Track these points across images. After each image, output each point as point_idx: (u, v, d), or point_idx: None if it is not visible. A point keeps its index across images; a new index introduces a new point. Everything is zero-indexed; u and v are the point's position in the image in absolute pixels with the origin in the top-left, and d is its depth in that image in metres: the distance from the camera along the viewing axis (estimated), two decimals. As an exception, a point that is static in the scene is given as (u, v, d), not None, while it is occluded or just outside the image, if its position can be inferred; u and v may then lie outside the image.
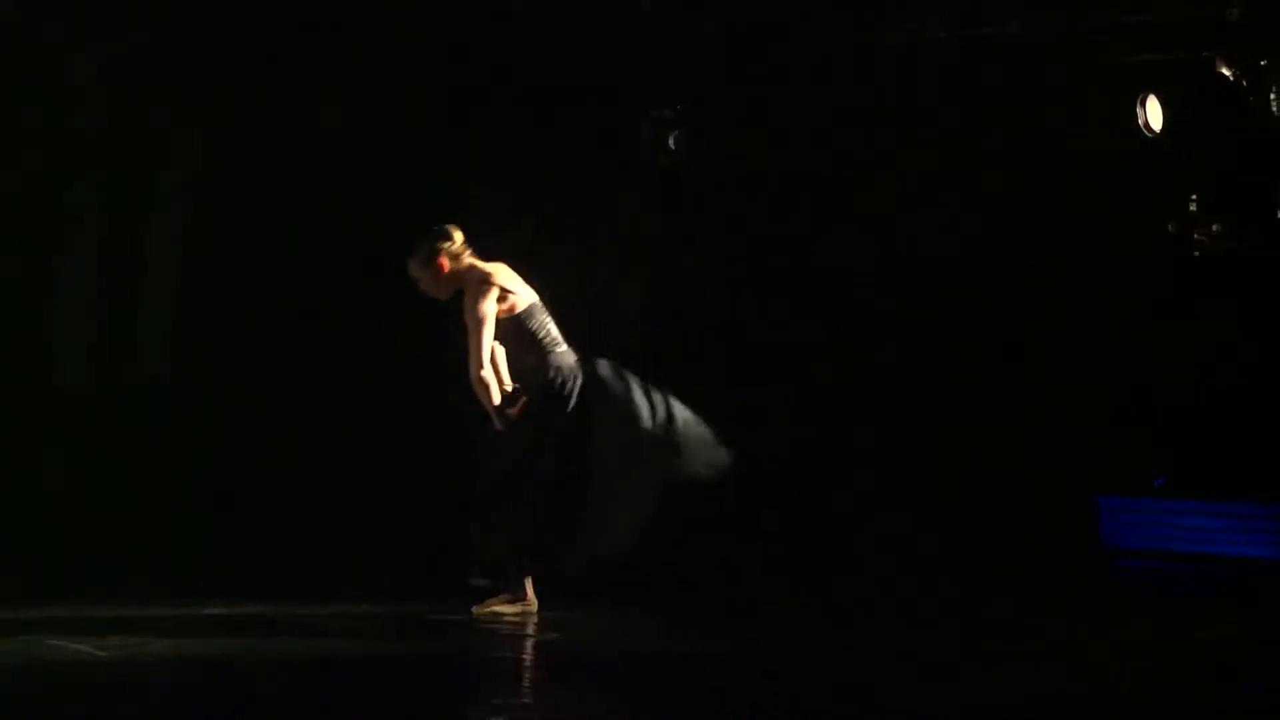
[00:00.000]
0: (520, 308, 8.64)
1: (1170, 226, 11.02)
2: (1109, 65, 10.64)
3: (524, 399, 8.54)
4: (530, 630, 8.41)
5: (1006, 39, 10.76)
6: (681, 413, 8.67)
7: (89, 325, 11.15)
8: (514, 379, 8.61)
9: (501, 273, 8.68)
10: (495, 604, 8.67)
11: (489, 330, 8.51)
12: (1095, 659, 7.88)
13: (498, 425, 8.55)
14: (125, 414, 11.08)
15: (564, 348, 8.71)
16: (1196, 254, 10.95)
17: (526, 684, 7.47)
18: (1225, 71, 10.33)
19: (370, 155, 10.82)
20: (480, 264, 8.67)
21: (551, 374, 8.63)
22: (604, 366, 8.74)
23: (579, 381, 8.64)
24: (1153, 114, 10.61)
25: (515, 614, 8.62)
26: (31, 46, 10.82)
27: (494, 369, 8.56)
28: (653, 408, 8.64)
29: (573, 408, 8.62)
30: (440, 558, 9.50)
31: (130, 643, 7.82)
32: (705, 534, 11.14)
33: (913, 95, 11.10)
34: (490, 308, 8.53)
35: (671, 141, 11.46)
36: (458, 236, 8.67)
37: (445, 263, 8.63)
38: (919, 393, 11.32)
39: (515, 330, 8.63)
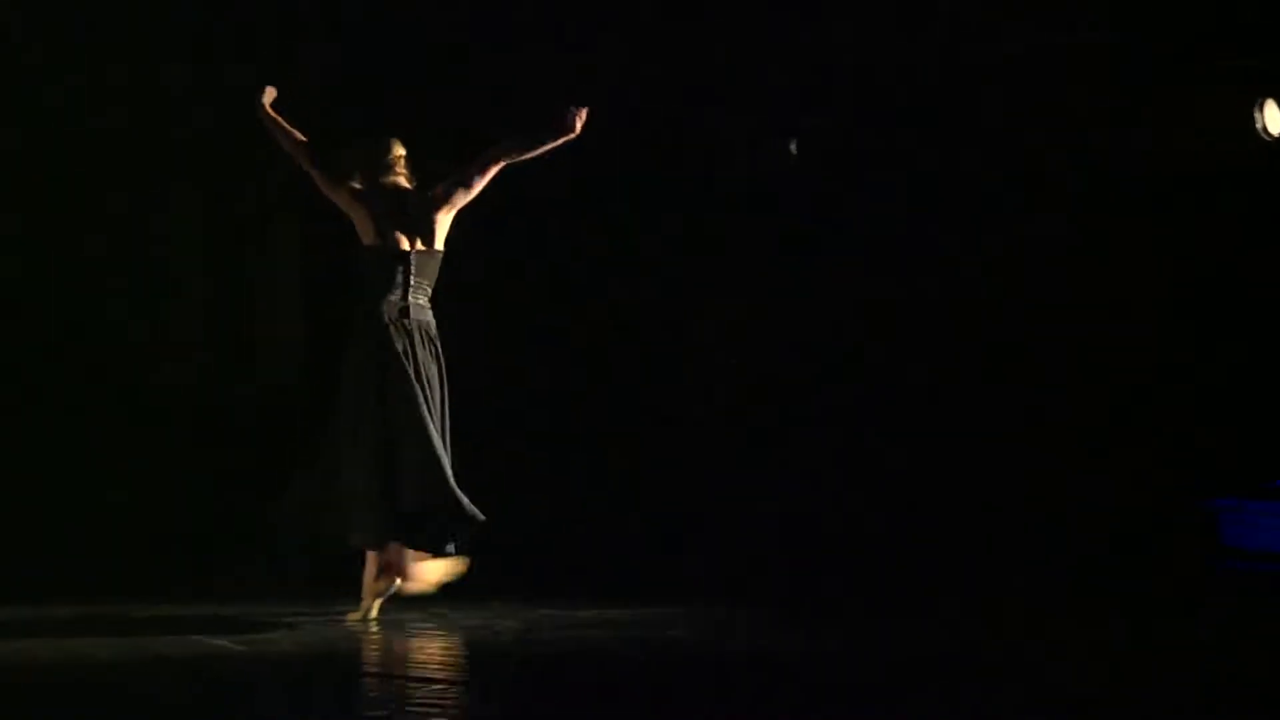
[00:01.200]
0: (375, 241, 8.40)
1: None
2: (1227, 68, 10.62)
3: None
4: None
5: (1123, 42, 10.76)
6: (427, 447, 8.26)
7: (208, 326, 11.34)
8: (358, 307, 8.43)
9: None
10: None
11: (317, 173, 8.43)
12: (1214, 662, 7.86)
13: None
14: (253, 412, 11.24)
15: (397, 297, 8.36)
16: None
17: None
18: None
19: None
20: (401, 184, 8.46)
21: (380, 314, 8.34)
22: (426, 347, 8.40)
23: (400, 332, 8.34)
24: (1271, 118, 10.59)
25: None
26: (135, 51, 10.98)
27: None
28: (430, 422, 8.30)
29: (375, 355, 8.32)
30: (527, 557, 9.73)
31: (260, 639, 7.95)
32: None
33: (1030, 99, 11.10)
34: (336, 188, 8.39)
35: (793, 148, 11.49)
36: (397, 150, 8.50)
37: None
38: (1035, 394, 11.34)
39: (375, 259, 8.41)
